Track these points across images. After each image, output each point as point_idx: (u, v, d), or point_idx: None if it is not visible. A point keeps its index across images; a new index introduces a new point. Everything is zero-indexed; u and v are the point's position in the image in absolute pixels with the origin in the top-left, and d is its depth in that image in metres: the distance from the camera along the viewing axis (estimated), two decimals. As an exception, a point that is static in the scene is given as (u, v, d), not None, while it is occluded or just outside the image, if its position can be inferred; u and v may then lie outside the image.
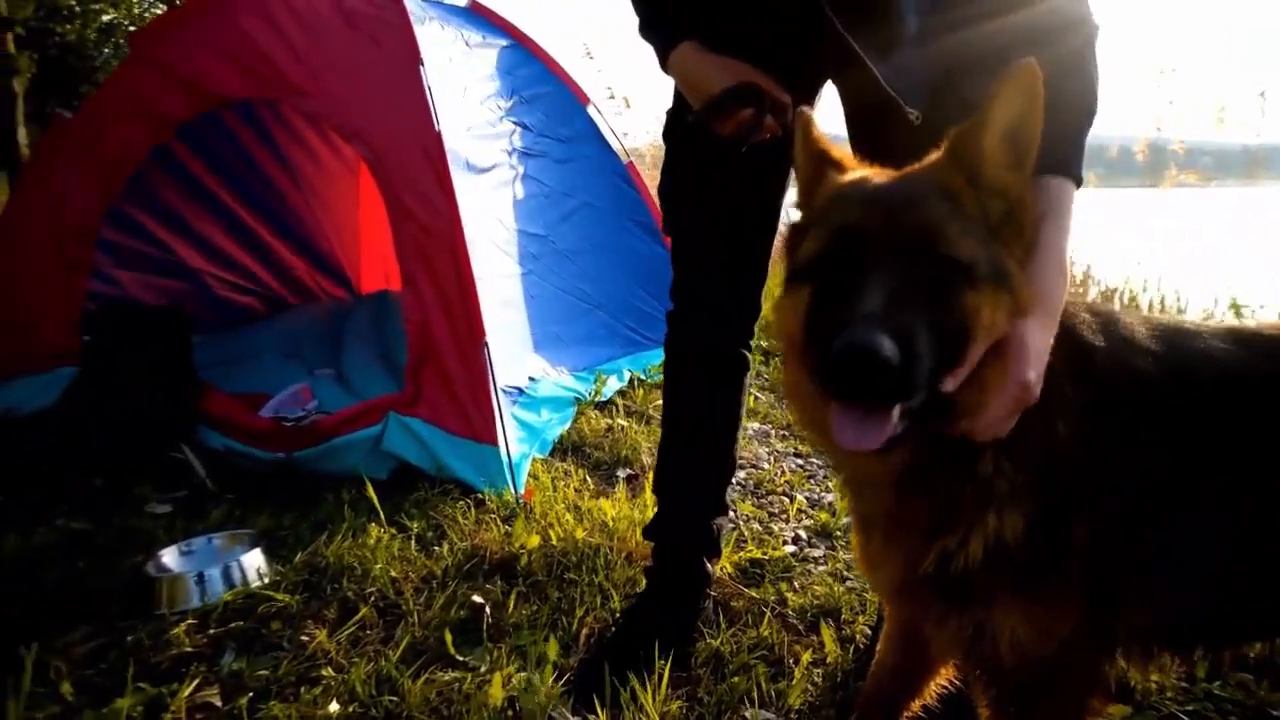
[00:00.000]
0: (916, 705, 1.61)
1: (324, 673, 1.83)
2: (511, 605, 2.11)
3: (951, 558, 1.17)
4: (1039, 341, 1.10)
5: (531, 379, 3.70)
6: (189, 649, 1.94)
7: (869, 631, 2.05)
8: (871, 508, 1.30)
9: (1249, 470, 1.20)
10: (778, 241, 1.99)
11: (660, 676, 1.76)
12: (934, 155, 1.16)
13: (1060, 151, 1.20)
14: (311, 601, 2.14)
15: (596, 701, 1.69)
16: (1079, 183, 1.23)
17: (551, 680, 1.76)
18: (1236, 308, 6.58)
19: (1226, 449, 1.20)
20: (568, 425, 3.63)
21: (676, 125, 1.95)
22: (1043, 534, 1.15)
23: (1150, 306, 7.07)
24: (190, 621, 2.02)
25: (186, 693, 1.75)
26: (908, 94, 1.57)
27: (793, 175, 1.32)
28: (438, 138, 3.17)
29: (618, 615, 2.10)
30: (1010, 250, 1.11)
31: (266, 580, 2.24)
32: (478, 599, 2.10)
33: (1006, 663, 1.19)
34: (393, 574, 2.22)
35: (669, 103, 1.99)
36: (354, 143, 3.36)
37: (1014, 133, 1.11)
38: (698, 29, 1.68)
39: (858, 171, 1.21)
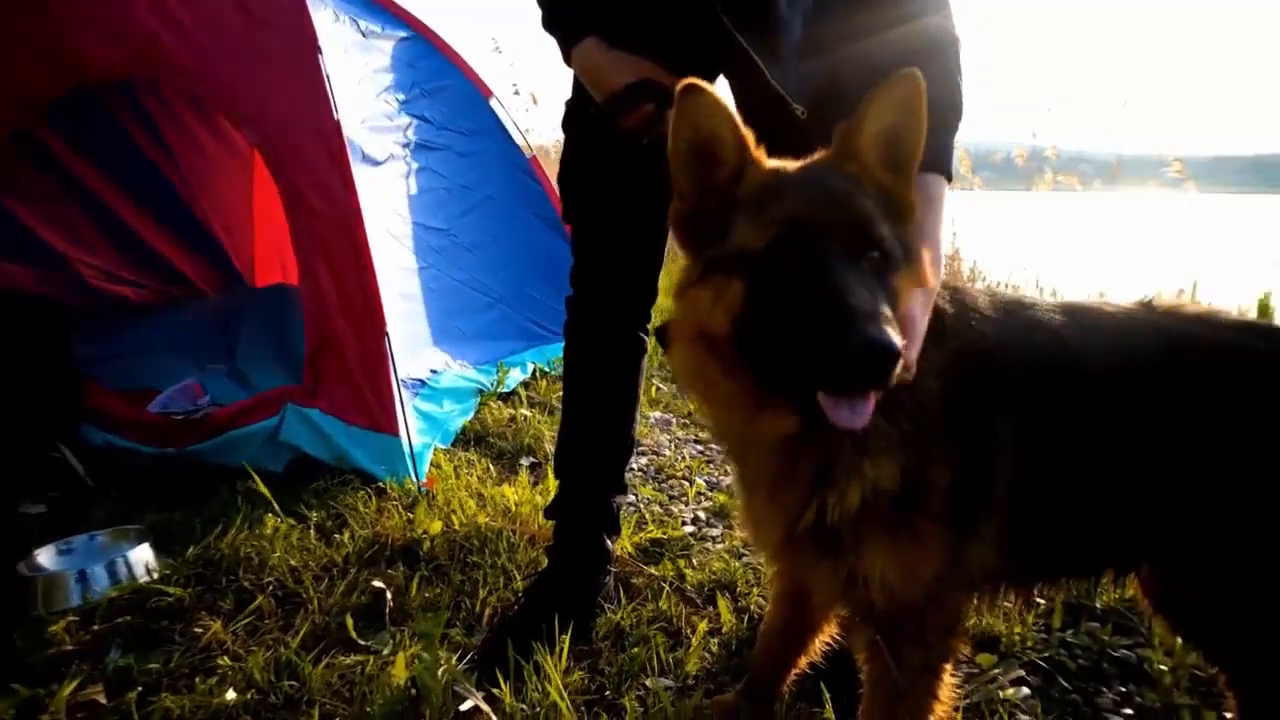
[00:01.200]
0: (803, 663, 1.72)
1: (220, 662, 1.80)
2: (414, 589, 2.12)
3: (831, 509, 1.26)
4: (921, 318, 1.21)
5: (433, 371, 3.69)
6: (70, 647, 1.87)
7: (763, 602, 2.15)
8: (757, 470, 1.38)
9: (1074, 420, 1.35)
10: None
11: (562, 649, 1.80)
12: (823, 152, 1.25)
13: (932, 151, 1.31)
14: (205, 594, 2.10)
15: (500, 675, 1.72)
16: (950, 178, 1.36)
17: (454, 658, 1.78)
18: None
19: (1054, 401, 1.35)
20: (470, 416, 3.63)
21: (576, 116, 2.00)
22: (911, 480, 1.26)
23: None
24: (71, 619, 1.95)
25: (67, 692, 1.69)
26: (795, 92, 1.67)
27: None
28: (337, 127, 3.12)
29: (520, 594, 2.13)
30: (904, 233, 1.22)
31: (156, 575, 2.18)
32: (379, 584, 2.10)
33: (879, 605, 1.29)
34: (291, 563, 2.20)
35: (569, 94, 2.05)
36: (245, 130, 3.27)
37: (890, 136, 1.20)
38: (599, 25, 1.73)
39: (773, 162, 1.25)
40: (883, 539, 1.28)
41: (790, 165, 1.24)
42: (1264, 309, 6.51)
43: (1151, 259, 10.57)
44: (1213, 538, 1.38)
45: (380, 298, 3.00)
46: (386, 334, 2.96)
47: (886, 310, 1.05)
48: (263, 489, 2.46)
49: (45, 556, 2.24)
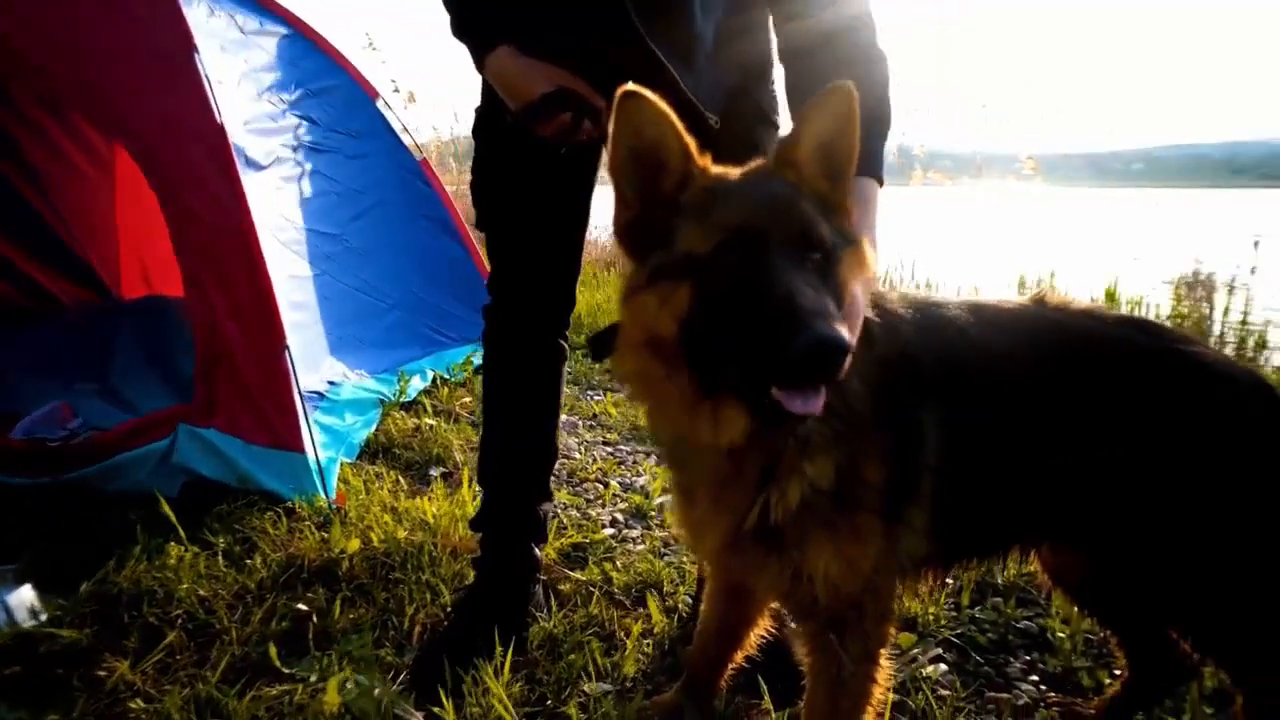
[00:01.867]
0: (740, 657, 1.76)
1: (131, 705, 1.69)
2: (337, 611, 2.04)
3: (774, 508, 1.31)
4: (861, 300, 1.27)
5: (331, 383, 3.56)
6: (-50, 705, 1.71)
7: (689, 600, 2.19)
8: (698, 475, 1.41)
9: (983, 412, 1.44)
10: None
11: (502, 661, 1.78)
12: (761, 161, 1.29)
13: (864, 157, 1.37)
14: (105, 634, 1.95)
15: (441, 692, 1.69)
16: (881, 182, 1.44)
17: (389, 679, 1.74)
18: (975, 292, 7.57)
19: (966, 394, 1.44)
20: (374, 428, 3.53)
21: (488, 123, 1.97)
22: (847, 477, 1.32)
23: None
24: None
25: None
26: (707, 100, 1.71)
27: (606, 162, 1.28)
28: (220, 131, 2.96)
29: (449, 609, 2.09)
30: (843, 227, 1.28)
31: (44, 618, 2.01)
32: (301, 607, 2.02)
33: (821, 600, 1.35)
34: (201, 593, 2.08)
35: (472, 99, 2.01)
36: (119, 137, 3.06)
37: (826, 145, 1.25)
38: (511, 33, 1.72)
39: (716, 168, 1.28)
40: (825, 535, 1.34)
41: (732, 172, 1.28)
42: (1110, 296, 7.12)
43: (1014, 249, 11.31)
44: (1103, 515, 1.50)
45: (278, 310, 2.87)
46: (287, 347, 2.83)
47: (833, 307, 1.10)
48: (168, 513, 2.31)
49: (-89, 605, 2.04)
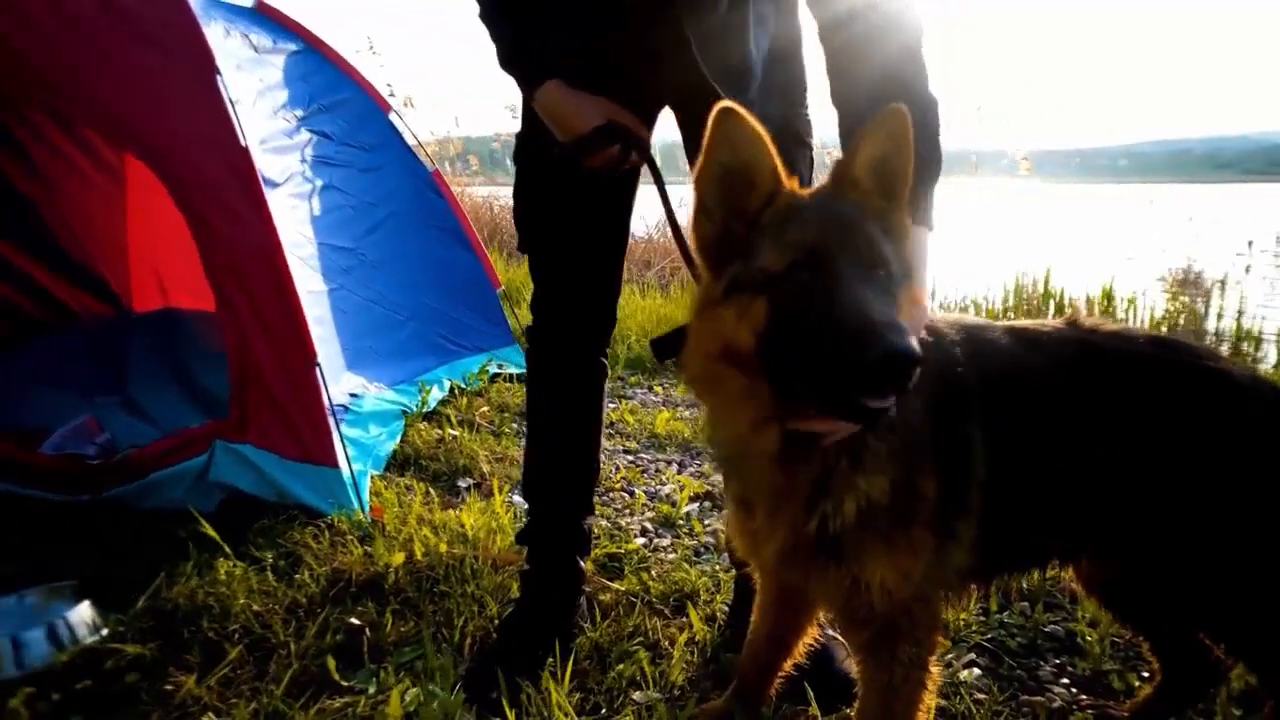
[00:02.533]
0: (789, 665, 1.83)
1: (202, 719, 1.74)
2: (388, 624, 2.10)
3: (832, 519, 1.37)
4: (917, 330, 1.33)
5: (353, 395, 3.61)
6: (28, 720, 1.76)
7: (726, 609, 2.25)
8: (753, 487, 1.47)
9: (1027, 430, 1.51)
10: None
11: (564, 669, 1.84)
12: (824, 183, 1.36)
13: (915, 203, 1.44)
14: (166, 648, 2.00)
15: (504, 703, 1.74)
16: (931, 228, 1.52)
17: (450, 689, 1.79)
18: (975, 303, 7.67)
19: (1012, 413, 1.50)
20: (398, 439, 3.57)
21: (530, 148, 2.03)
22: (902, 491, 1.39)
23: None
24: (28, 690, 1.82)
25: (42, 767, 1.60)
26: (729, 86, 1.76)
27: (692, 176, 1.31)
28: (244, 153, 2.99)
29: (497, 621, 2.15)
30: (901, 254, 1.34)
31: (105, 633, 2.06)
32: (354, 621, 2.07)
33: (878, 607, 1.41)
34: (255, 608, 2.13)
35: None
36: (145, 159, 3.09)
37: (881, 165, 1.32)
38: (562, 65, 1.77)
39: (790, 190, 1.32)
40: (881, 546, 1.40)
41: (802, 192, 1.33)
42: (1107, 295, 7.21)
43: (1009, 248, 11.41)
44: (1137, 525, 1.57)
45: (307, 325, 2.92)
46: (318, 364, 2.88)
47: (903, 321, 1.16)
48: (210, 531, 2.36)
49: (-34, 623, 2.08)
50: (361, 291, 4.10)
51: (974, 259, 9.97)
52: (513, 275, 7.00)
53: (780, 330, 1.21)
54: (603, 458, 3.54)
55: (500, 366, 4.69)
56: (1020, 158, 11.39)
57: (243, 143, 3.02)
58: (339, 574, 2.32)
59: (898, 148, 1.32)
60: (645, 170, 1.95)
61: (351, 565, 2.35)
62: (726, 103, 1.25)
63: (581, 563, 2.21)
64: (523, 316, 5.48)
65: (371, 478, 3.08)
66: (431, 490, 3.07)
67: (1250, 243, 9.33)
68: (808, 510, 1.40)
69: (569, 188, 1.94)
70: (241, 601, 2.13)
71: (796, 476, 1.38)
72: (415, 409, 3.84)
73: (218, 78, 3.10)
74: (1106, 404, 1.55)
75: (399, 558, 2.37)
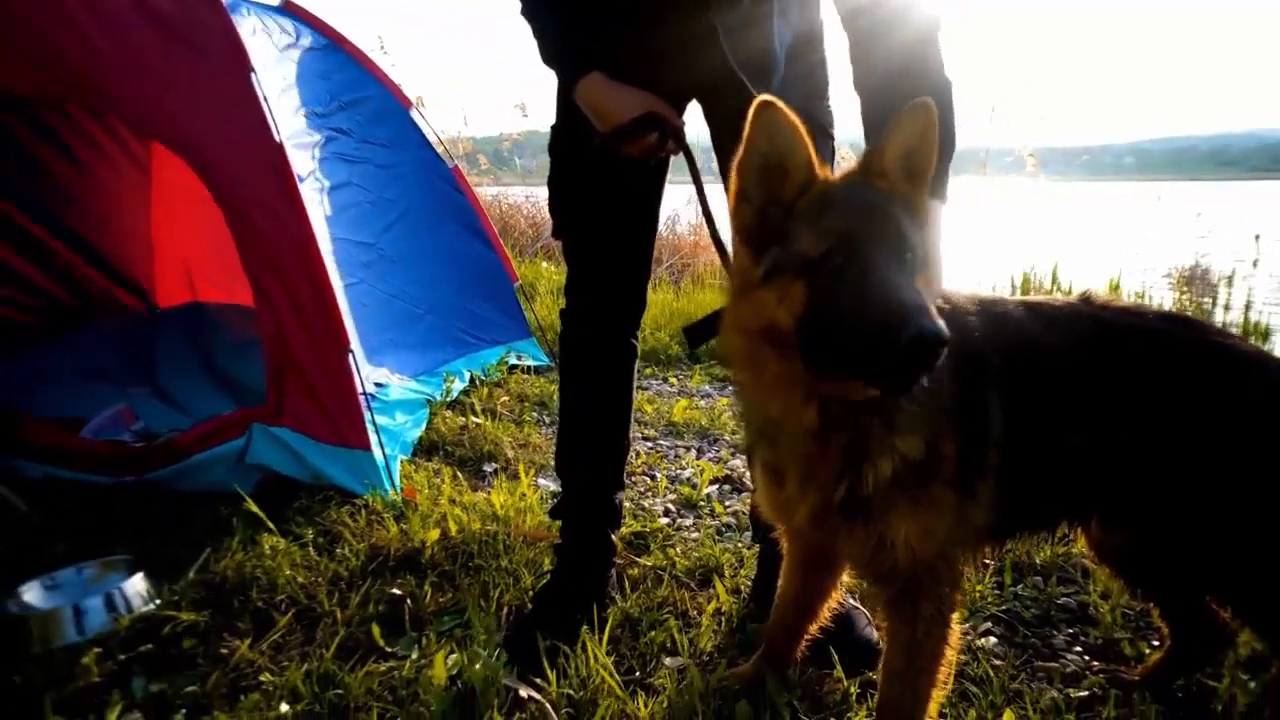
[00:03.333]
0: (814, 629, 1.91)
1: (263, 679, 1.83)
2: (427, 595, 2.19)
3: (866, 480, 1.46)
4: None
5: (379, 385, 3.70)
6: (97, 679, 1.86)
7: (750, 583, 2.34)
8: (787, 457, 1.56)
9: (1041, 397, 1.61)
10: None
11: (600, 633, 1.93)
12: (851, 168, 1.45)
13: (934, 180, 1.53)
14: (219, 616, 2.10)
15: (545, 663, 1.84)
16: (945, 200, 1.61)
17: (492, 653, 1.89)
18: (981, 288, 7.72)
19: (1027, 381, 1.60)
20: (424, 427, 3.67)
21: (565, 139, 2.12)
22: (928, 452, 1.48)
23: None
24: (97, 650, 1.92)
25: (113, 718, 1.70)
26: (754, 77, 1.85)
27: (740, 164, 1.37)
28: (279, 149, 3.09)
29: (532, 593, 2.24)
30: (923, 239, 1.43)
31: (158, 604, 2.16)
32: (396, 591, 2.17)
33: (902, 564, 1.51)
34: (300, 580, 2.22)
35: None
36: (181, 153, 3.19)
37: (908, 154, 1.42)
38: (602, 58, 1.86)
39: (824, 179, 1.41)
40: (906, 505, 1.49)
41: (835, 179, 1.43)
42: (1114, 289, 7.29)
43: (1017, 244, 11.47)
44: (1147, 490, 1.66)
45: (340, 314, 3.02)
46: (351, 350, 2.98)
47: (931, 304, 1.25)
48: (255, 509, 2.46)
49: (32, 594, 2.18)
50: (381, 286, 4.19)
51: (982, 256, 10.05)
52: (524, 271, 7.11)
53: (818, 311, 1.30)
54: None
55: (519, 358, 4.79)
56: (1027, 155, 11.43)
57: (277, 139, 3.12)
58: (377, 549, 2.41)
59: (923, 139, 1.42)
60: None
61: (389, 541, 2.45)
62: (766, 96, 1.33)
63: (613, 536, 2.30)
64: (538, 311, 5.59)
65: (401, 462, 3.17)
66: (459, 474, 3.17)
67: (1258, 236, 9.37)
68: (841, 475, 1.49)
69: (603, 175, 2.03)
70: (287, 573, 2.23)
71: (830, 445, 1.47)
72: (439, 398, 3.94)
73: (252, 75, 3.20)
74: (1116, 375, 1.64)
75: (434, 534, 2.46)
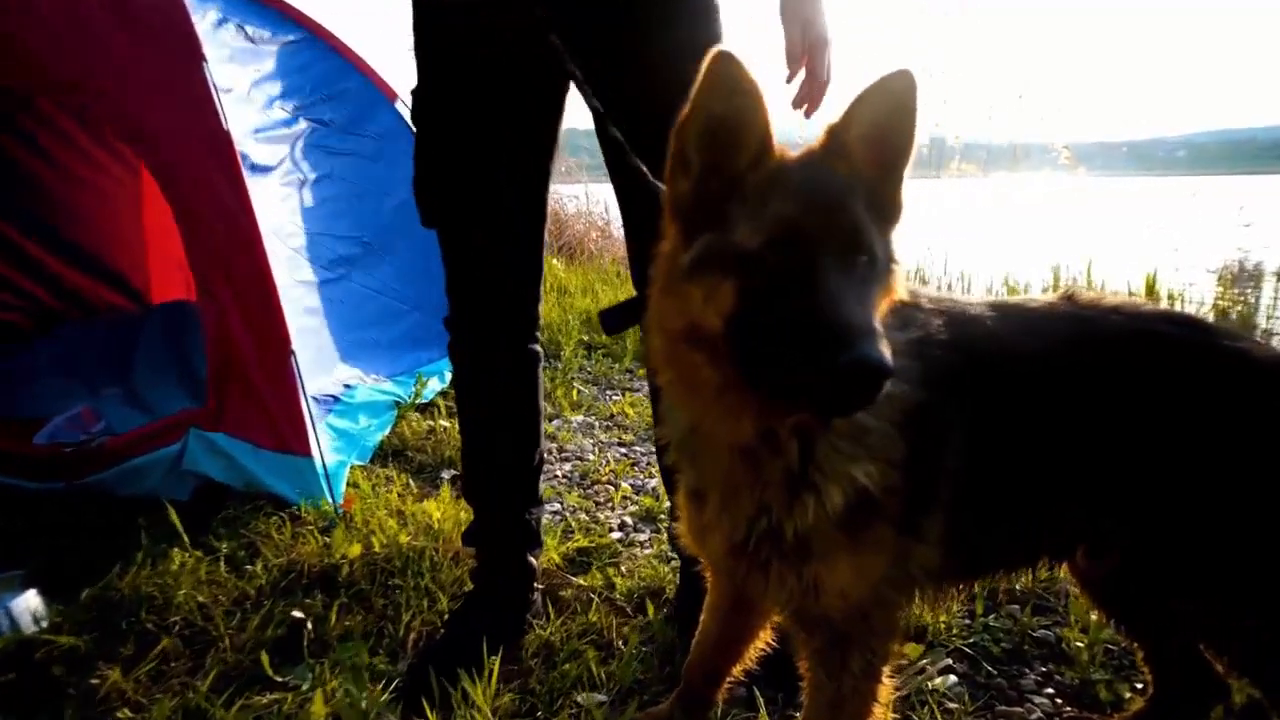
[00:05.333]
0: (738, 671, 1.70)
1: (119, 715, 1.68)
2: (334, 618, 2.03)
3: (802, 515, 1.24)
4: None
5: (347, 386, 3.56)
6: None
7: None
8: (708, 476, 1.35)
9: (1014, 412, 1.37)
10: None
11: (491, 672, 1.75)
12: (812, 145, 1.21)
13: None
14: (103, 640, 1.96)
15: (426, 704, 1.66)
16: None
17: (379, 689, 1.71)
18: (1010, 288, 7.41)
19: (996, 395, 1.36)
20: (388, 430, 3.52)
21: (432, 104, 1.83)
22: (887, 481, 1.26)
23: (939, 288, 7.79)
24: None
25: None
26: None
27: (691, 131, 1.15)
28: (227, 138, 2.96)
29: (446, 616, 2.07)
30: (887, 238, 1.21)
31: (45, 624, 2.02)
32: (297, 614, 2.01)
33: (832, 613, 1.29)
34: (200, 599, 2.07)
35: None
36: (133, 144, 3.09)
37: (879, 135, 1.18)
38: None
39: (779, 154, 1.18)
40: (844, 544, 1.27)
41: (790, 157, 1.20)
42: (1150, 286, 6.90)
43: (1050, 240, 11.04)
44: (1141, 519, 1.42)
45: (283, 314, 2.87)
46: (293, 352, 2.83)
47: (878, 324, 1.03)
48: (174, 519, 2.32)
49: (-84, 612, 2.06)
50: (364, 281, 4.07)
51: (1011, 253, 9.66)
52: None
53: (749, 317, 1.09)
54: (596, 450, 3.47)
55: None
56: (1061, 147, 11.01)
57: (225, 128, 2.98)
58: (294, 565, 2.26)
59: (900, 116, 1.18)
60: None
61: (308, 557, 2.29)
62: (724, 47, 1.11)
63: (533, 558, 2.11)
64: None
65: (353, 468, 3.03)
66: (412, 482, 3.01)
67: (1311, 230, 8.84)
68: (772, 504, 1.27)
69: (477, 148, 1.79)
70: (184, 592, 2.07)
71: (764, 467, 1.26)
72: (408, 400, 3.79)
73: (204, 66, 3.07)
74: (1106, 387, 1.40)
75: (355, 549, 2.30)
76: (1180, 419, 1.38)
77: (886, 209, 1.21)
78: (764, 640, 1.70)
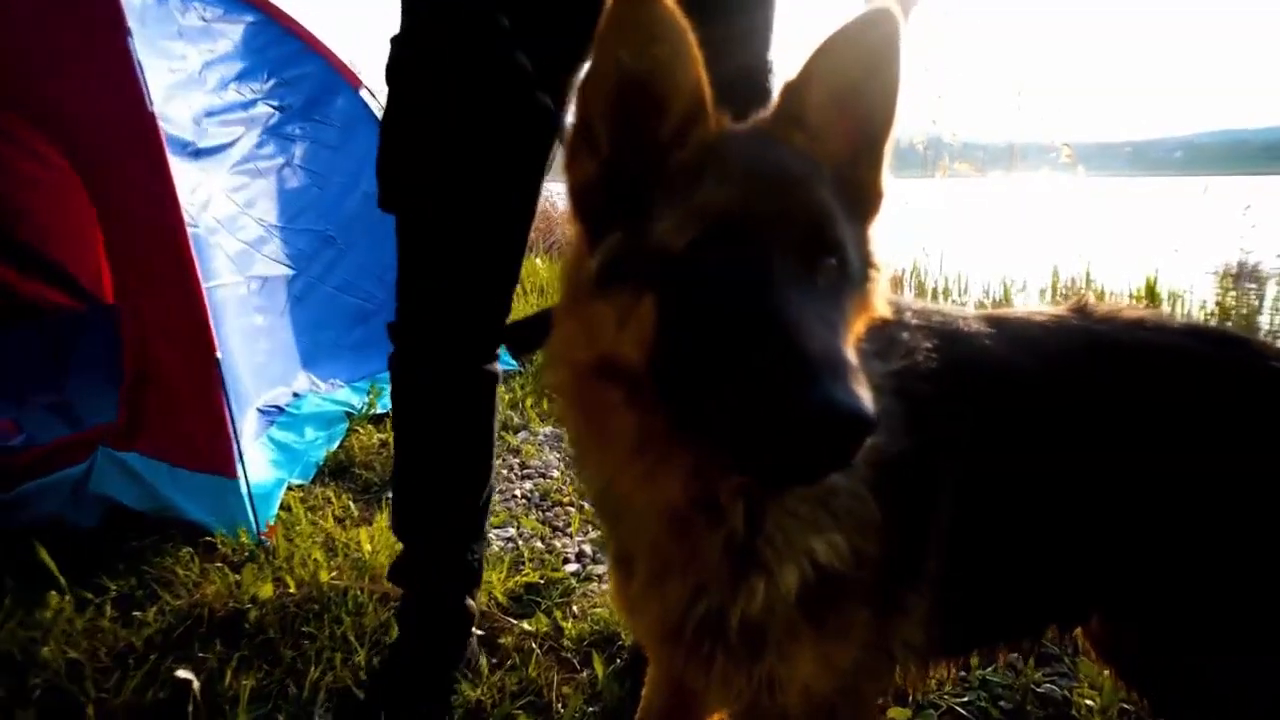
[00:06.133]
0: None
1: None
2: (229, 676, 1.75)
3: (750, 600, 0.98)
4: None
5: (296, 395, 3.31)
6: None
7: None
8: (633, 541, 1.08)
9: (1013, 456, 1.11)
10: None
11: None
12: (764, 112, 0.94)
13: None
14: (-53, 709, 1.68)
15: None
16: None
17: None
18: (1008, 290, 7.17)
19: (991, 435, 1.10)
20: (337, 444, 3.24)
21: (410, 64, 1.52)
22: (855, 554, 0.99)
23: (935, 290, 7.55)
24: None
25: None
26: None
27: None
28: (151, 120, 2.67)
29: (364, 672, 1.79)
30: (863, 234, 0.93)
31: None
32: (184, 674, 1.72)
33: (793, 711, 1.03)
34: (72, 655, 1.79)
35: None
36: (42, 128, 2.81)
37: (849, 96, 0.91)
38: None
39: (718, 121, 0.91)
40: (808, 631, 1.00)
41: (734, 128, 0.93)
42: (1150, 289, 6.66)
43: (1048, 241, 10.81)
44: (1170, 579, 1.16)
45: (209, 318, 2.59)
46: (217, 359, 2.55)
47: (852, 355, 0.76)
48: (43, 557, 2.03)
49: None
50: (326, 279, 3.83)
51: (1007, 254, 9.42)
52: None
53: (677, 345, 0.82)
54: (561, 466, 3.19)
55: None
56: (1062, 144, 10.78)
57: (149, 109, 2.69)
58: (194, 609, 1.98)
59: (878, 72, 0.90)
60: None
61: (212, 599, 2.01)
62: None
63: (470, 601, 1.83)
64: (521, 310, 5.16)
65: (289, 489, 2.75)
66: (353, 504, 2.73)
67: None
68: (713, 584, 1.00)
69: (463, 118, 1.46)
70: (50, 649, 1.78)
71: (699, 541, 0.98)
72: (361, 411, 3.51)
73: (129, 40, 2.79)
74: (1129, 419, 1.14)
75: (267, 589, 2.02)
76: (1221, 456, 1.12)
77: (862, 197, 0.94)
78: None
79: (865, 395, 0.69)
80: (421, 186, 1.55)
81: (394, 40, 1.55)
